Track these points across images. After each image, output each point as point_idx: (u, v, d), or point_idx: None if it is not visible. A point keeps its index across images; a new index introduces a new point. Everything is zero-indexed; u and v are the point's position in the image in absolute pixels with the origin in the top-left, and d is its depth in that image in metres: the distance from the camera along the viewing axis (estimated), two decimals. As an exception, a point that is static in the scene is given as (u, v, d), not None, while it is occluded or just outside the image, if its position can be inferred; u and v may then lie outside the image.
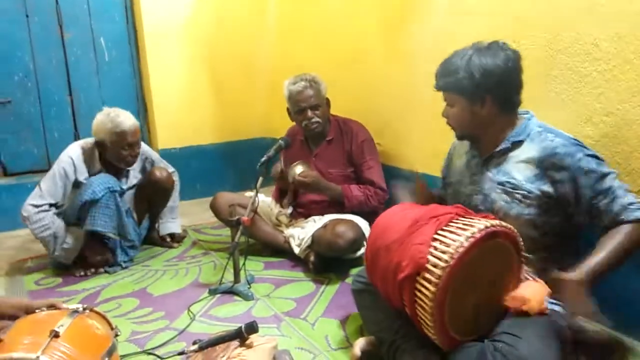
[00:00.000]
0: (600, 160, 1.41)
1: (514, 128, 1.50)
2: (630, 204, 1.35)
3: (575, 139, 1.44)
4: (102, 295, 2.20)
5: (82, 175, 2.40)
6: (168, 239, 2.77)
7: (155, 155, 2.75)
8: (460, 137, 1.61)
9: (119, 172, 2.51)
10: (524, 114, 1.53)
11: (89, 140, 2.47)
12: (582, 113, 1.72)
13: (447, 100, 1.54)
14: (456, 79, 1.45)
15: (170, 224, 2.79)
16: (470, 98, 1.46)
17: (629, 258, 1.36)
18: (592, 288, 1.27)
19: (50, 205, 2.34)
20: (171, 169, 2.79)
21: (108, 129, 2.34)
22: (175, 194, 2.81)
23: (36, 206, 2.31)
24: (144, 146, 2.67)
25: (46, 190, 2.34)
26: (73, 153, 2.40)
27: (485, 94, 1.44)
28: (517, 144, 1.48)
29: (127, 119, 2.37)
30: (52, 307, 1.39)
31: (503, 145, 1.49)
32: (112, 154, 2.41)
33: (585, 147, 1.42)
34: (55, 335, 1.21)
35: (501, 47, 1.45)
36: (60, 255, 2.38)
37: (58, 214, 2.38)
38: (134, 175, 2.63)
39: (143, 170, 2.69)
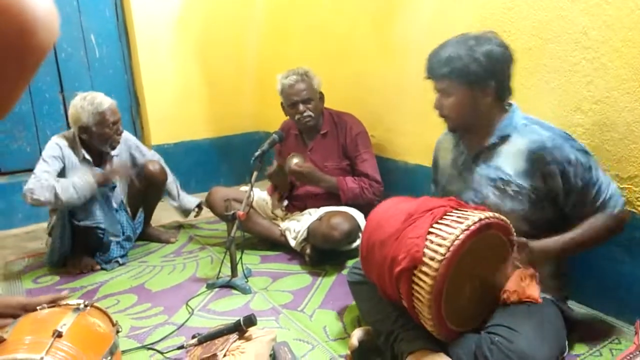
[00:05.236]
0: (588, 153, 1.44)
1: (502, 120, 1.50)
2: (612, 196, 1.42)
3: (562, 131, 1.46)
4: (100, 292, 2.21)
5: (70, 161, 2.39)
6: (196, 209, 2.90)
7: (142, 146, 2.75)
8: (453, 129, 1.58)
9: (103, 160, 2.49)
10: (507, 106, 1.54)
11: (68, 131, 2.46)
12: (572, 101, 1.74)
13: (442, 90, 1.50)
14: (462, 65, 1.42)
15: (189, 198, 2.89)
16: (475, 84, 1.44)
17: (598, 244, 1.46)
18: (558, 261, 1.50)
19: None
20: (156, 157, 2.78)
21: (90, 112, 2.33)
22: (170, 178, 2.80)
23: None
24: (127, 135, 2.65)
25: (41, 171, 2.26)
26: (58, 141, 2.40)
27: (491, 80, 1.44)
28: (505, 137, 1.49)
29: (105, 99, 2.38)
30: (53, 302, 1.39)
31: (491, 140, 1.50)
32: (97, 137, 2.39)
33: (572, 139, 1.44)
34: (59, 335, 1.22)
35: (492, 37, 1.46)
36: (72, 197, 2.21)
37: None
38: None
39: (133, 160, 2.67)
